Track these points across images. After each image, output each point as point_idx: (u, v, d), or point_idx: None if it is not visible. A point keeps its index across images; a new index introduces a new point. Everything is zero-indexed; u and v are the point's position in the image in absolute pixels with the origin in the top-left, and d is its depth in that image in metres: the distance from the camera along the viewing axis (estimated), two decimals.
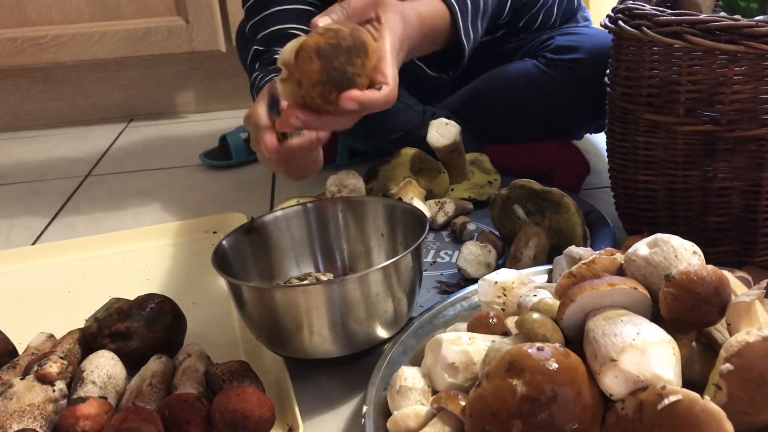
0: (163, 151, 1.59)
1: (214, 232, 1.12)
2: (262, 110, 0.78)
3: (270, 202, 1.24)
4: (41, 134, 1.79)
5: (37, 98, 1.84)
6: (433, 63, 0.93)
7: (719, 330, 0.58)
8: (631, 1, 0.83)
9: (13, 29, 1.67)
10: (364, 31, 0.69)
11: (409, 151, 1.14)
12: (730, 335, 0.55)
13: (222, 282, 0.74)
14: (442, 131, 1.11)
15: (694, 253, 0.59)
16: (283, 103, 0.74)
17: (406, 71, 1.22)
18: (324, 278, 0.84)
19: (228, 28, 1.73)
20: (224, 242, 0.79)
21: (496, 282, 0.71)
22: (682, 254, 0.58)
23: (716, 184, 0.81)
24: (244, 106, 1.81)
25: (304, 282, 0.82)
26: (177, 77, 1.87)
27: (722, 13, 0.91)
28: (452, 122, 1.11)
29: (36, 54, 1.69)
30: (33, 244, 1.17)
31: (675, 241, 0.59)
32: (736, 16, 0.73)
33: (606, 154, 0.96)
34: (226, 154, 1.45)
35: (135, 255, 1.07)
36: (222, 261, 0.76)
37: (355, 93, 0.67)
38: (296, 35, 1.08)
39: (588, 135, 1.34)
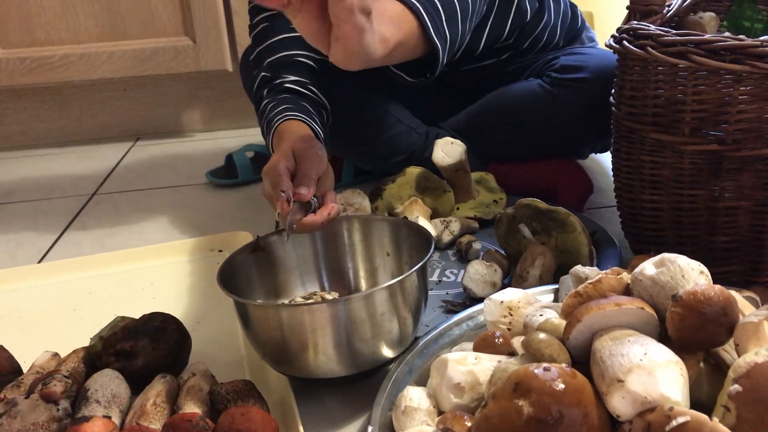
0: (169, 170, 1.60)
1: (220, 251, 1.12)
2: (285, 174, 0.78)
3: (276, 221, 1.24)
4: (49, 153, 1.80)
5: (45, 117, 1.86)
6: (411, 70, 0.91)
7: (727, 350, 0.57)
8: (635, 22, 0.84)
9: (22, 49, 1.69)
10: None
11: (414, 170, 1.14)
12: (739, 356, 0.54)
13: (227, 301, 0.74)
14: (448, 150, 1.11)
15: (701, 272, 0.59)
16: (304, 190, 0.77)
17: (402, 89, 1.23)
18: (329, 297, 0.84)
19: (234, 47, 1.74)
20: (230, 261, 0.79)
21: (502, 302, 0.71)
22: (689, 274, 0.58)
23: (723, 204, 0.81)
24: (249, 125, 1.82)
25: (310, 301, 0.82)
26: (183, 96, 1.88)
27: (727, 33, 0.92)
28: (457, 141, 1.11)
29: (44, 73, 1.70)
30: (39, 262, 1.17)
31: (682, 260, 0.59)
32: (741, 36, 0.73)
33: (611, 173, 0.96)
34: (232, 173, 1.46)
35: (140, 273, 1.07)
36: (227, 280, 0.76)
37: None
38: (303, 62, 1.10)
39: (593, 154, 1.34)
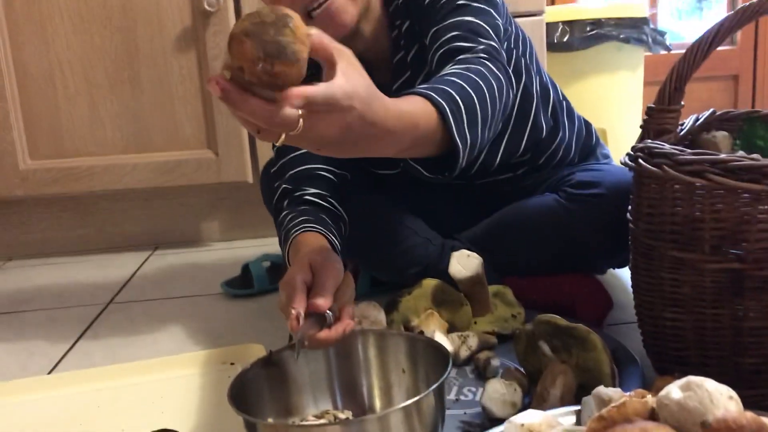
0: (185, 280, 1.60)
1: (232, 364, 1.10)
2: (301, 290, 0.79)
3: (289, 334, 1.23)
4: (68, 261, 1.82)
5: (66, 226, 1.89)
6: (430, 165, 0.91)
7: None
8: (650, 141, 0.85)
9: (50, 160, 1.74)
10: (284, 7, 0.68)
11: (431, 282, 1.13)
12: None
13: (239, 417, 0.72)
14: (464, 263, 1.10)
15: (731, 398, 0.56)
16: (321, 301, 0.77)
17: (418, 201, 1.25)
18: (342, 416, 0.81)
19: (256, 159, 1.78)
20: (241, 376, 0.77)
21: (522, 424, 0.68)
22: (718, 399, 0.55)
23: (748, 324, 0.79)
24: (267, 234, 1.84)
25: (321, 421, 0.79)
26: (203, 207, 1.91)
27: (740, 152, 0.93)
28: (474, 254, 1.11)
29: (69, 184, 1.75)
30: (49, 372, 1.15)
31: (709, 384, 0.56)
32: (755, 156, 0.74)
33: (631, 288, 0.95)
34: (248, 283, 1.45)
35: (150, 386, 1.05)
36: (238, 395, 0.74)
37: (296, 90, 0.62)
38: (323, 176, 1.12)
39: (612, 269, 1.32)
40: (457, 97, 0.84)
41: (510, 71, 0.98)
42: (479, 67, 0.93)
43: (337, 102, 0.63)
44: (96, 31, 1.69)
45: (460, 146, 0.84)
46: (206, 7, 1.66)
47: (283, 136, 0.64)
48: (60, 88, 1.71)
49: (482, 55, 0.96)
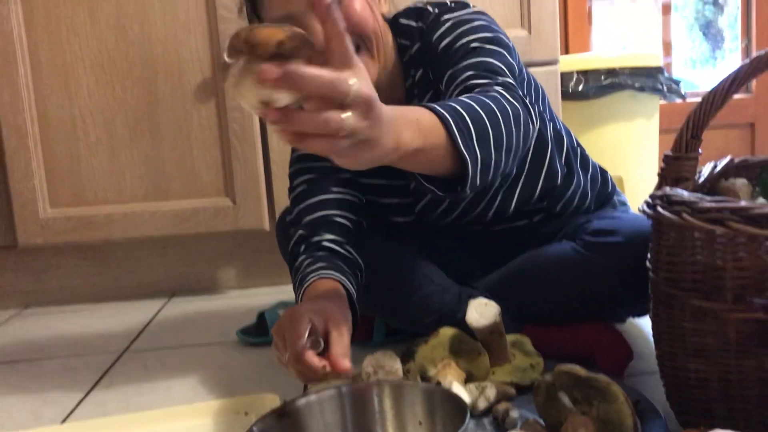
0: (201, 328, 1.59)
1: (246, 414, 1.08)
2: (302, 337, 0.83)
3: (304, 385, 1.21)
4: (84, 308, 1.82)
5: (84, 273, 1.90)
6: (442, 183, 0.88)
7: None
8: (668, 188, 0.84)
9: (70, 208, 1.76)
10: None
11: (447, 331, 1.11)
12: None
13: None
14: (482, 311, 1.09)
15: None
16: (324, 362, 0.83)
17: (434, 249, 1.25)
18: None
19: (273, 207, 1.79)
20: (254, 428, 0.76)
21: None
22: None
23: None
24: (283, 281, 1.83)
25: None
26: (220, 254, 1.92)
27: (761, 200, 0.92)
28: (492, 302, 1.09)
29: (88, 232, 1.76)
30: (62, 422, 1.14)
31: None
32: None
33: (652, 338, 0.93)
34: (263, 331, 1.44)
35: None
36: None
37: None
38: (340, 222, 1.12)
39: (632, 318, 1.30)
40: (464, 112, 0.83)
41: (528, 103, 0.97)
42: (494, 94, 0.93)
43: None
44: (118, 82, 1.73)
45: (468, 159, 0.82)
46: (226, 59, 1.69)
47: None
48: (81, 138, 1.75)
49: (498, 87, 0.96)
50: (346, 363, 0.83)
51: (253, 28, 0.67)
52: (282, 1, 1.01)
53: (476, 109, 0.86)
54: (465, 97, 0.89)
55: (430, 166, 0.82)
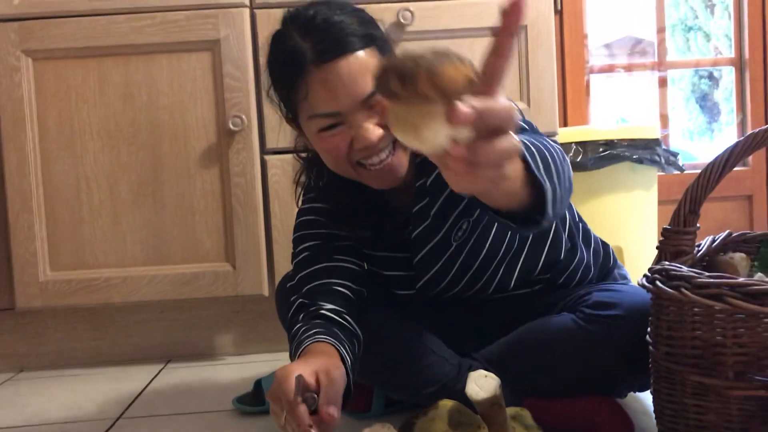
0: (197, 395, 1.57)
1: None
2: (291, 389, 0.84)
3: None
4: (80, 373, 1.80)
5: (81, 337, 1.88)
6: (519, 218, 0.84)
7: None
8: (666, 262, 0.85)
9: (70, 272, 1.76)
10: None
11: (447, 403, 1.10)
12: None
13: None
14: (482, 384, 1.08)
15: None
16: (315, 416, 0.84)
17: (434, 320, 1.24)
18: None
19: (272, 273, 1.79)
20: None
21: None
22: None
23: None
24: (281, 348, 1.81)
25: None
26: (218, 320, 1.90)
27: (759, 275, 0.92)
28: (492, 375, 1.08)
29: (87, 295, 1.76)
30: None
31: None
32: None
33: (653, 413, 0.92)
34: (260, 400, 1.42)
35: None
36: None
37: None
38: (340, 291, 1.12)
39: (633, 392, 1.29)
40: (527, 143, 0.80)
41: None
42: (537, 136, 0.92)
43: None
44: (123, 147, 1.76)
45: (545, 186, 0.78)
46: (231, 126, 1.73)
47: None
48: (85, 201, 1.76)
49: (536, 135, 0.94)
50: (332, 411, 0.83)
51: (430, 71, 0.63)
52: (331, 100, 1.01)
53: (534, 143, 0.83)
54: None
55: (507, 199, 0.79)
